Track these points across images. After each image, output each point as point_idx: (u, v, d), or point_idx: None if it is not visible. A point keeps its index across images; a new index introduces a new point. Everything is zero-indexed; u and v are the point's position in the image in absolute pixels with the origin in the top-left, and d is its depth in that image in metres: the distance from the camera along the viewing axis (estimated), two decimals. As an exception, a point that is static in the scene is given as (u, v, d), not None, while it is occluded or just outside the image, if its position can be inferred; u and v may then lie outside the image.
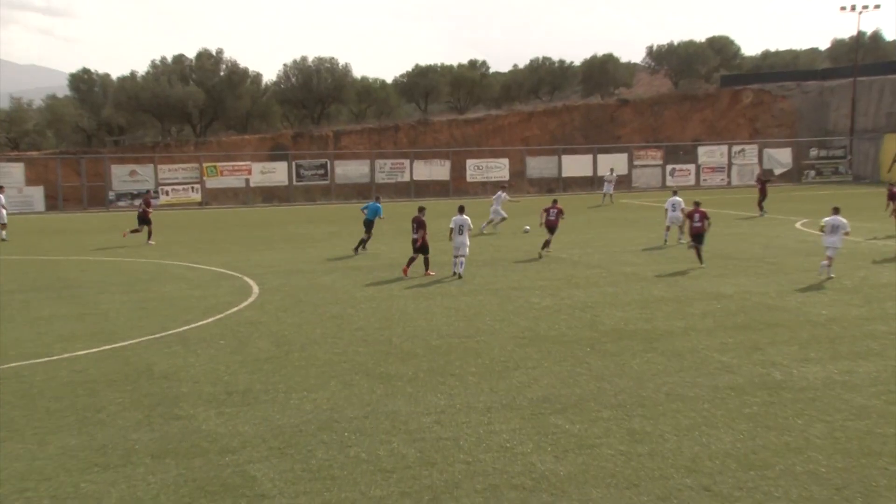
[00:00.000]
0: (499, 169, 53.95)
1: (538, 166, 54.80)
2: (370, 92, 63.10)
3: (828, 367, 12.96)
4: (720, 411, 11.04)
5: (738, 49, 74.57)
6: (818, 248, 25.71)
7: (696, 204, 23.57)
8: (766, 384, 12.17)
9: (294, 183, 50.87)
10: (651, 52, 72.31)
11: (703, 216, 22.98)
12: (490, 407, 11.34)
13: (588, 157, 55.38)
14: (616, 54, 69.89)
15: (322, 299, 19.00)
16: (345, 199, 51.60)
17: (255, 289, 20.49)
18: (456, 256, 21.97)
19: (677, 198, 28.40)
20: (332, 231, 34.06)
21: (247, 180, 50.02)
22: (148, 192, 34.75)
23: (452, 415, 11.05)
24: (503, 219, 31.96)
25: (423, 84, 63.94)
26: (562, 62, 69.22)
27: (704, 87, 68.38)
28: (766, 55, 79.55)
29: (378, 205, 27.40)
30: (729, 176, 56.03)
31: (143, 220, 30.82)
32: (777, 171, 55.70)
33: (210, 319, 16.93)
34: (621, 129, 62.20)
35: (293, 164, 50.83)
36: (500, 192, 32.85)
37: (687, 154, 57.81)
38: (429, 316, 17.07)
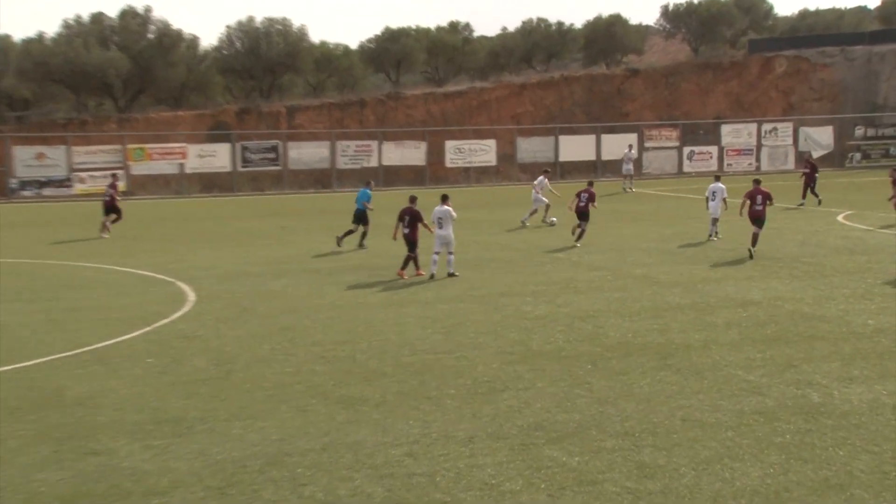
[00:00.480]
0: (484, 152, 54.09)
1: (531, 149, 54.97)
2: (330, 60, 63.03)
3: (875, 387, 13.07)
4: (746, 440, 11.10)
5: (771, 8, 75.13)
6: (864, 244, 25.95)
7: (757, 182, 25.32)
8: (802, 408, 12.25)
9: (239, 169, 50.72)
10: (666, 13, 72.64)
11: (767, 197, 24.82)
12: (472, 436, 11.34)
13: (590, 138, 55.63)
14: (624, 15, 70.58)
15: (272, 308, 18.94)
16: (300, 189, 51.51)
17: (191, 296, 20.40)
18: (436, 253, 22.23)
19: (720, 184, 28.65)
20: (285, 226, 33.98)
21: (181, 165, 49.83)
22: (114, 175, 35.56)
23: (427, 446, 11.03)
24: (548, 206, 32.73)
25: (393, 51, 63.96)
26: (560, 25, 69.52)
27: (730, 53, 68.81)
28: (805, 15, 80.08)
29: (368, 191, 27.92)
30: (758, 160, 56.43)
31: (112, 208, 31.97)
32: (816, 154, 56.11)
33: (135, 333, 16.82)
34: (630, 105, 62.48)
35: (237, 146, 50.68)
36: (541, 178, 33.71)
37: (708, 134, 58.15)
38: (400, 328, 17.06)
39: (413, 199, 23.07)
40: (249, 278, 22.57)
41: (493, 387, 13.35)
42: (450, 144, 53.72)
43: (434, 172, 53.08)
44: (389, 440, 11.23)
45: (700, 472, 10.19)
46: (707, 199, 28.36)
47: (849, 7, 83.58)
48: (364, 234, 27.58)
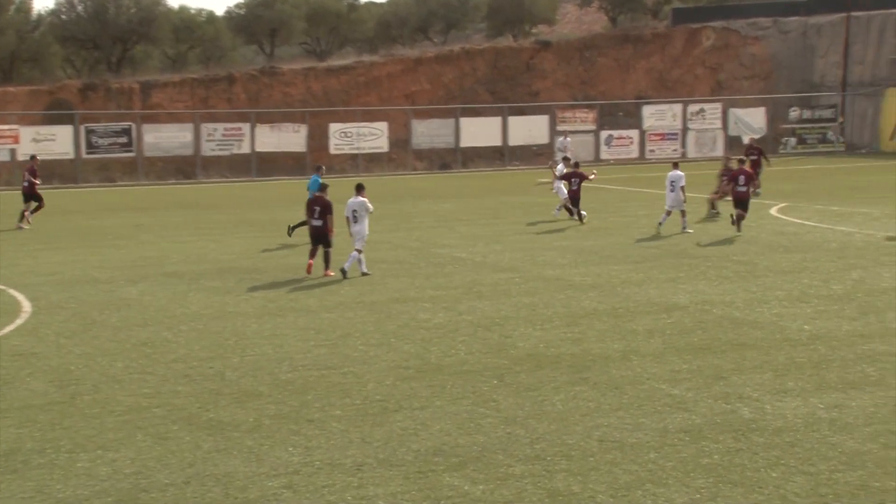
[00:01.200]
0: (374, 136, 54.09)
1: (428, 133, 55.17)
2: (192, 28, 62.28)
3: (811, 400, 13.51)
4: (671, 462, 11.36)
5: (697, -27, 76.79)
6: (800, 241, 26.79)
7: (741, 162, 29.00)
8: (731, 425, 12.59)
9: (84, 156, 49.71)
10: (580, -22, 73.74)
11: (750, 178, 28.04)
12: (361, 464, 11.35)
13: (496, 121, 56.11)
14: (534, -20, 70.99)
15: (125, 320, 18.65)
16: (158, 179, 50.71)
17: (26, 306, 19.94)
18: (358, 251, 22.79)
19: (678, 171, 29.33)
20: (141, 224, 33.44)
21: (12, 151, 48.59)
22: (33, 157, 35.00)
23: (309, 476, 11.02)
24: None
25: (267, 18, 63.49)
26: (460, -11, 69.88)
27: (651, 25, 70.12)
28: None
29: (318, 178, 27.92)
30: (684, 145, 57.62)
31: (31, 195, 32.83)
32: (747, 139, 57.48)
33: (-40, 351, 16.39)
34: (540, 83, 63.21)
35: (82, 128, 49.64)
36: (560, 165, 34.58)
37: (629, 116, 59.18)
38: (278, 340, 16.96)
39: (324, 188, 23.69)
40: (97, 285, 22.16)
41: (385, 407, 13.38)
42: (334, 128, 53.57)
43: (316, 160, 52.69)
44: (265, 470, 11.17)
45: (619, 499, 10.40)
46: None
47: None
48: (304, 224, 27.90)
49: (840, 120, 59.16)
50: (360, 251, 22.78)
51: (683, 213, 28.87)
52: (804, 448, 11.76)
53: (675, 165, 30.00)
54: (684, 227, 28.60)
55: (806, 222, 30.34)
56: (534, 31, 70.06)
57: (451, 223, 29.31)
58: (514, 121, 55.69)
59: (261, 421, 12.85)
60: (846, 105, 59.88)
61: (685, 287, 21.09)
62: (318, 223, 23.12)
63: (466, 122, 55.42)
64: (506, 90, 61.61)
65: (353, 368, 15.21)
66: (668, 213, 28.87)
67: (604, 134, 57.13)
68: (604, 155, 56.54)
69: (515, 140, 55.48)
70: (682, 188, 28.70)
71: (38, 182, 33.38)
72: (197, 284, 22.12)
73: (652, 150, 57.34)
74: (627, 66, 64.66)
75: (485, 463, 11.36)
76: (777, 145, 58.19)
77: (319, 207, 23.12)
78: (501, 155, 55.71)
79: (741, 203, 27.65)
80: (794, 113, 58.93)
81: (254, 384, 14.47)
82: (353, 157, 53.89)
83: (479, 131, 55.52)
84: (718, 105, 59.19)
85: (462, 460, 11.45)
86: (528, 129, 55.98)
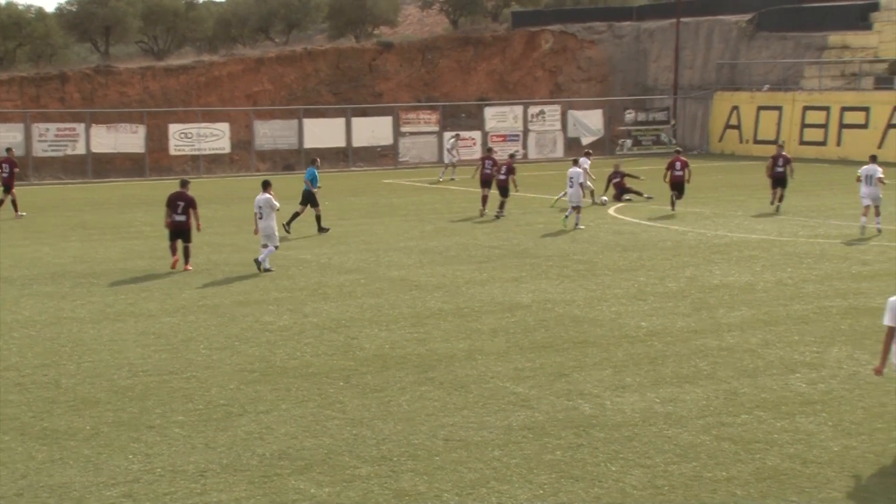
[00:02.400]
0: (215, 137, 53.29)
1: (271, 134, 54.66)
2: (20, 25, 60.20)
3: (648, 395, 13.93)
4: (515, 460, 11.56)
5: (535, -23, 78.11)
6: (636, 240, 27.52)
7: (780, 147, 34.39)
8: (573, 421, 12.88)
9: None
10: (422, -22, 74.09)
11: (787, 161, 32.93)
12: (205, 469, 11.22)
13: (339, 122, 55.95)
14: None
15: (-47, 328, 17.97)
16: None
17: None
18: (264, 246, 23.26)
19: (577, 168, 30.67)
20: (-32, 227, 32.22)
21: None
22: (9, 150, 33.82)
23: (150, 484, 10.83)
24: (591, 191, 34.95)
25: (101, 15, 61.83)
26: (303, -11, 69.46)
27: (492, 27, 71.00)
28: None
29: (314, 170, 30.12)
30: (525, 146, 58.51)
31: (8, 187, 33.54)
32: (585, 141, 58.77)
33: None
34: (383, 84, 63.37)
35: None
36: (584, 158, 35.41)
37: (472, 118, 59.79)
38: (116, 345, 16.61)
39: (185, 184, 24.03)
40: (-76, 291, 21.28)
41: (229, 411, 13.25)
42: (174, 129, 52.53)
43: (156, 161, 51.75)
44: (103, 479, 10.94)
45: (465, 497, 10.53)
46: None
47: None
48: (318, 218, 29.56)
49: (672, 122, 60.97)
50: (276, 247, 23.40)
51: (578, 209, 29.81)
52: (641, 442, 12.11)
53: (575, 162, 31.63)
54: (577, 224, 29.63)
55: (642, 222, 31.19)
56: (376, 32, 70.08)
57: (296, 225, 29.07)
58: (357, 122, 55.61)
59: (98, 429, 12.57)
60: (678, 108, 61.76)
61: (528, 286, 21.45)
62: (181, 218, 23.44)
63: (310, 123, 55.08)
64: (349, 91, 61.52)
65: (195, 373, 15.01)
66: (575, 208, 29.72)
67: (447, 135, 57.50)
68: (446, 157, 56.90)
69: (359, 141, 55.41)
70: (581, 185, 30.08)
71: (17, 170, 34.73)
72: (29, 290, 21.44)
73: (494, 152, 57.93)
74: (469, 67, 65.34)
75: (331, 465, 11.35)
76: (614, 146, 59.59)
77: (183, 203, 23.46)
78: (345, 156, 55.60)
79: (779, 181, 32.75)
80: (629, 115, 60.40)
81: (91, 391, 14.14)
82: (195, 158, 52.96)
83: (323, 132, 55.25)
84: (557, 107, 60.22)
85: (308, 463, 11.42)
86: (372, 131, 55.93)
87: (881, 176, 27.91)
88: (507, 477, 11.04)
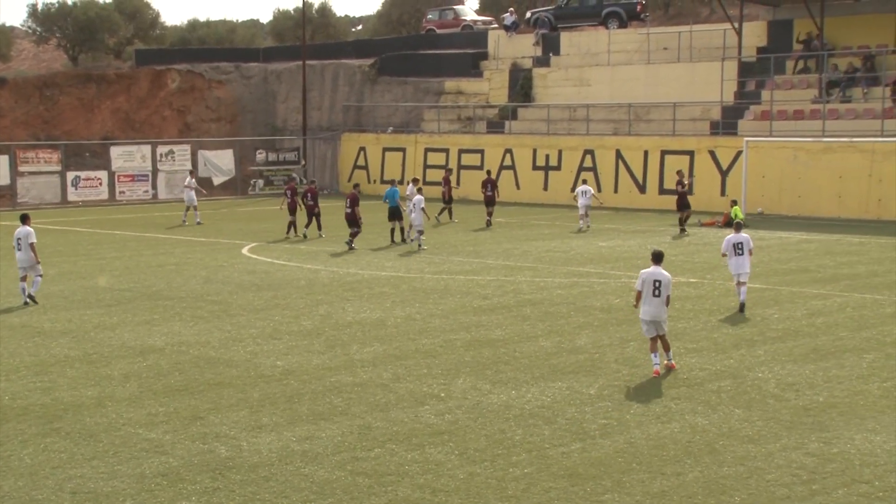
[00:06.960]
0: None
1: None
2: None
3: (284, 434, 13.97)
4: (150, 508, 11.24)
5: (157, 15, 77.28)
6: (270, 279, 27.56)
7: (489, 173, 41.52)
8: (209, 465, 12.69)
9: None
10: (35, 14, 71.23)
11: (494, 185, 38.55)
12: None
13: (-49, 161, 52.38)
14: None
15: None
16: None
17: None
18: (23, 279, 23.77)
19: (420, 196, 34.08)
20: None
21: None
22: None
23: None
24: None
25: None
26: None
27: (115, 65, 69.18)
28: (195, 26, 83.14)
29: (395, 189, 35.23)
30: (155, 186, 57.29)
31: None
32: (217, 181, 58.39)
33: None
34: None
35: None
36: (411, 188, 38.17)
37: (96, 157, 57.82)
38: None
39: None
40: None
41: None
42: None
43: None
44: None
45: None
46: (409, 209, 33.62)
47: (241, 20, 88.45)
48: (402, 230, 34.77)
49: (303, 163, 61.82)
50: (39, 276, 23.92)
51: (421, 232, 33.15)
52: (279, 481, 12.13)
53: (419, 191, 38.12)
54: (420, 245, 32.84)
55: (276, 261, 31.27)
56: (-12, 66, 66.47)
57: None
58: (-29, 160, 52.32)
59: None
60: (308, 148, 62.74)
61: (160, 329, 20.96)
62: None
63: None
64: (-39, 128, 57.77)
65: None
66: (420, 232, 33.16)
67: (70, 175, 55.24)
68: (72, 197, 54.63)
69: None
70: (423, 210, 33.25)
71: None
72: None
73: (122, 192, 56.33)
74: (92, 105, 63.18)
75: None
76: (247, 186, 59.58)
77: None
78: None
79: (491, 202, 39.67)
80: (260, 155, 60.63)
81: None
82: None
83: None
84: (187, 146, 59.45)
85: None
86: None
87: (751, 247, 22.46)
88: (142, 527, 10.71)
